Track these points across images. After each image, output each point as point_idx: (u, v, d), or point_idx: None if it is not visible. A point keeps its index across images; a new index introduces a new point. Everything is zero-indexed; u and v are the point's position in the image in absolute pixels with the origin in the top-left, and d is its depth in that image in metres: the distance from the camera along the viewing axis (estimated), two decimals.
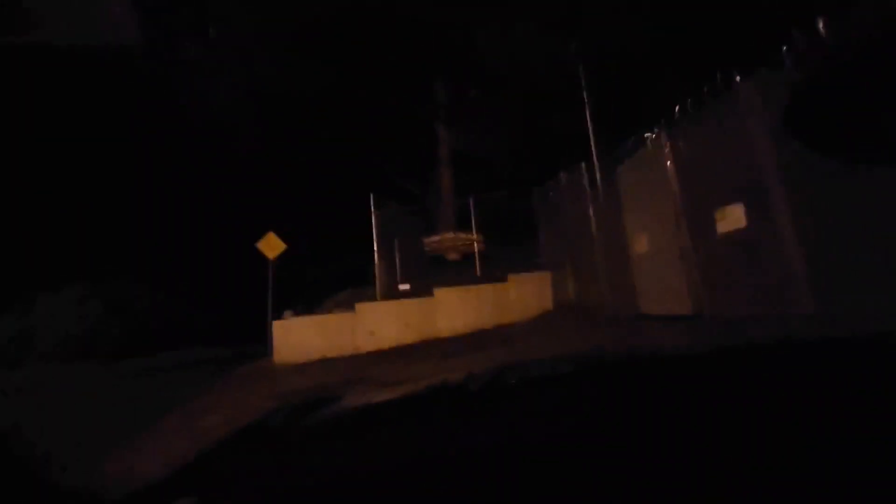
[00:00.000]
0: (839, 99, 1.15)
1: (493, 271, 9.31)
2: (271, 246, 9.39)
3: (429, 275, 10.65)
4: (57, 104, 13.72)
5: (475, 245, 10.39)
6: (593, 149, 7.50)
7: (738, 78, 4.33)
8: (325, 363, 7.42)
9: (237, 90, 11.99)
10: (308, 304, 10.85)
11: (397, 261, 10.47)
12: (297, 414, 1.26)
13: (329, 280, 12.70)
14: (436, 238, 11.60)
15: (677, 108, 5.02)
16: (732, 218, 4.51)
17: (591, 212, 7.35)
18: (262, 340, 8.78)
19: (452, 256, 11.19)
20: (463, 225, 11.34)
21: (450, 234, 11.47)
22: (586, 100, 7.87)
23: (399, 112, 13.75)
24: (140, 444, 3.59)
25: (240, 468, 0.73)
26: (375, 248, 9.36)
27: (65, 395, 6.99)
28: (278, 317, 8.83)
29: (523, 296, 8.72)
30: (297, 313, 9.23)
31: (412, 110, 14.04)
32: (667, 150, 5.36)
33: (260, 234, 9.73)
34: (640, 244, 6.02)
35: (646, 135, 5.66)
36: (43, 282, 14.27)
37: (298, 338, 8.22)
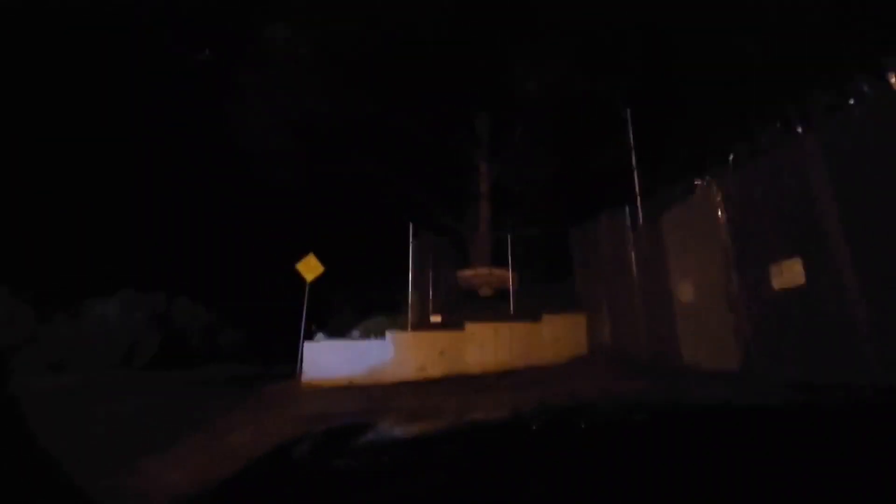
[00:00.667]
0: None
1: (527, 310, 9.12)
2: (310, 268, 9.59)
3: (461, 308, 10.55)
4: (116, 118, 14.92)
5: (510, 282, 10.26)
6: (637, 191, 7.36)
7: (799, 128, 4.17)
8: (352, 389, 7.37)
9: (285, 116, 12.60)
10: (340, 328, 10.93)
11: (430, 292, 10.45)
12: (324, 444, 1.22)
13: (362, 306, 12.81)
14: (470, 272, 11.56)
15: (731, 155, 4.87)
16: (791, 273, 4.25)
17: (632, 255, 7.14)
18: (292, 360, 8.85)
19: (485, 292, 11.08)
20: (498, 261, 11.27)
21: (484, 270, 11.42)
22: (632, 141, 7.80)
23: (441, 145, 14.06)
24: (166, 457, 3.62)
25: (264, 494, 0.71)
26: (410, 278, 9.39)
27: (100, 402, 7.22)
28: (310, 338, 8.91)
29: (557, 337, 8.46)
30: (329, 336, 9.29)
31: (454, 143, 14.33)
32: (718, 197, 5.18)
33: (299, 257, 9.97)
34: (686, 293, 5.75)
35: (696, 181, 5.51)
36: (92, 288, 15.10)
37: (328, 361, 8.24)
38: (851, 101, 3.65)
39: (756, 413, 0.96)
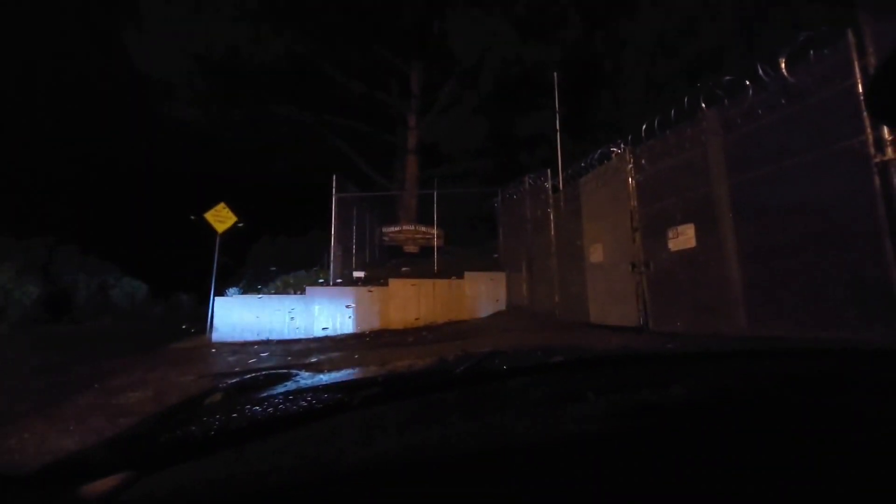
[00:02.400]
0: None
1: (450, 267, 9.30)
2: (221, 217, 8.88)
3: (385, 265, 10.50)
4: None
5: (434, 239, 10.34)
6: (559, 155, 7.64)
7: (703, 105, 4.52)
8: (267, 345, 7.11)
9: (193, 45, 11.16)
10: (256, 283, 10.40)
11: (354, 247, 10.23)
12: (237, 393, 1.14)
13: (282, 260, 12.24)
14: (395, 229, 11.46)
15: (644, 126, 5.18)
16: (684, 237, 4.72)
17: (551, 217, 7.48)
18: (201, 317, 8.31)
19: (410, 249, 11.09)
20: (424, 218, 11.26)
21: (410, 227, 11.37)
22: (557, 107, 7.99)
23: (370, 95, 13.41)
24: (54, 417, 3.27)
25: (176, 445, 0.64)
26: (332, 232, 9.08)
27: None
28: (221, 294, 8.38)
29: (478, 294, 8.77)
30: (243, 291, 8.81)
31: (384, 95, 13.74)
32: (630, 165, 5.53)
33: (211, 206, 9.17)
34: (596, 254, 6.19)
35: (612, 148, 5.81)
36: None
37: (241, 317, 7.85)
38: (748, 83, 4.00)
39: (628, 358, 1.11)
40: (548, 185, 7.68)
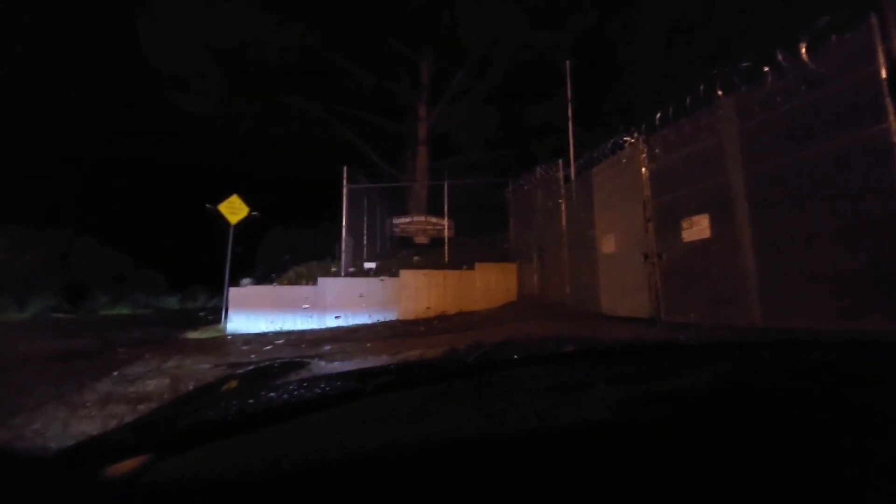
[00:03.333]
0: None
1: (461, 258, 9.30)
2: (234, 209, 8.98)
3: (396, 255, 10.54)
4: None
5: (445, 230, 10.34)
6: (571, 145, 7.55)
7: (719, 92, 4.42)
8: (280, 335, 7.21)
9: (206, 39, 11.20)
10: (268, 273, 10.52)
11: (365, 239, 10.28)
12: (253, 380, 1.16)
13: (294, 251, 12.35)
14: (406, 220, 11.48)
15: (658, 115, 5.09)
16: (698, 227, 4.65)
17: (562, 208, 7.42)
18: (215, 307, 8.45)
19: (421, 240, 11.11)
20: (435, 209, 11.25)
21: (421, 218, 11.38)
22: (569, 96, 7.88)
23: (380, 86, 13.37)
24: (74, 403, 3.36)
25: (194, 429, 0.66)
26: (344, 223, 9.13)
27: None
28: (236, 284, 8.50)
29: (489, 285, 8.77)
30: (256, 282, 8.92)
31: (394, 86, 13.68)
32: (643, 155, 5.45)
33: (225, 198, 9.27)
34: (608, 245, 6.13)
35: (625, 138, 5.73)
36: None
37: (254, 307, 7.95)
38: (766, 70, 3.90)
39: (639, 348, 1.10)
40: (559, 175, 7.61)
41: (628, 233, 5.70)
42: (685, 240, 4.82)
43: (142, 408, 3.18)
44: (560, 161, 7.66)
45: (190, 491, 0.50)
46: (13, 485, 0.53)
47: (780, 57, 3.79)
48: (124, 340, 7.23)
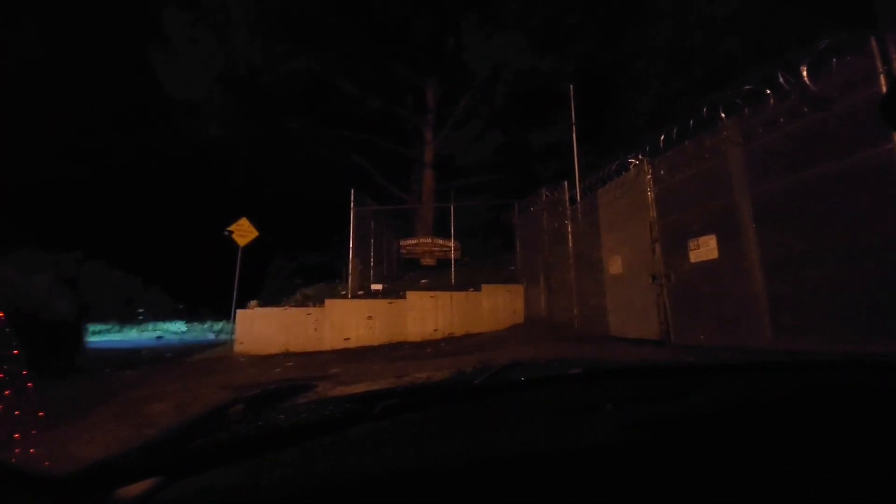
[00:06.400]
0: None
1: (468, 280, 9.30)
2: (243, 232, 9.09)
3: (402, 277, 10.55)
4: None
5: (452, 252, 10.36)
6: (576, 167, 7.62)
7: (723, 114, 4.47)
8: (288, 356, 7.19)
9: (215, 65, 11.56)
10: (276, 295, 10.55)
11: (372, 260, 10.32)
12: (261, 403, 1.17)
13: (301, 273, 12.42)
14: (413, 241, 11.53)
15: (662, 136, 5.14)
16: (706, 248, 4.63)
17: (569, 229, 7.44)
18: (223, 329, 8.46)
19: (428, 261, 11.13)
20: (441, 231, 11.31)
21: (427, 240, 11.42)
22: (573, 119, 8.00)
23: (387, 110, 13.64)
24: (81, 427, 3.35)
25: (203, 452, 0.67)
26: (351, 246, 9.19)
27: None
28: (243, 307, 8.53)
29: (495, 307, 8.73)
30: (264, 304, 8.95)
31: (400, 110, 13.95)
32: (648, 176, 5.48)
33: (233, 221, 9.41)
34: (615, 266, 6.11)
35: (630, 159, 5.77)
36: None
37: (262, 328, 7.96)
38: (768, 92, 3.95)
39: (656, 370, 1.09)
40: (565, 196, 7.65)
41: (635, 254, 5.69)
42: (693, 260, 4.80)
43: (148, 432, 3.17)
44: (566, 182, 7.71)
45: None
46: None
47: (781, 79, 3.84)
48: (131, 362, 7.23)
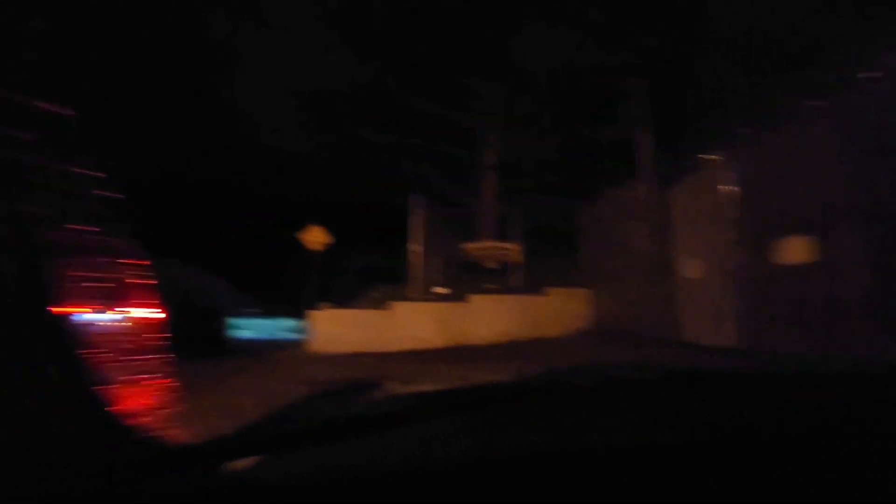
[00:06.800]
0: None
1: (531, 283, 9.19)
2: (315, 237, 9.68)
3: (465, 280, 10.63)
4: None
5: (515, 255, 10.30)
6: (647, 165, 7.28)
7: (813, 103, 4.09)
8: (356, 357, 7.54)
9: (290, 82, 12.46)
10: (344, 297, 11.08)
11: (434, 264, 10.52)
12: (334, 398, 1.28)
13: (367, 276, 12.95)
14: (475, 245, 11.57)
15: (743, 130, 4.80)
16: (794, 251, 4.25)
17: (638, 230, 7.12)
18: (297, 330, 9.07)
19: (490, 264, 11.12)
20: (504, 233, 11.27)
21: (490, 243, 11.42)
22: (642, 114, 7.66)
23: (448, 114, 13.84)
24: (179, 416, 3.77)
25: (297, 436, 0.75)
26: (414, 249, 9.45)
27: None
28: (314, 308, 9.07)
29: (560, 311, 8.56)
30: (334, 306, 9.44)
31: (462, 114, 14.10)
32: (727, 172, 5.13)
33: (305, 226, 10.06)
34: (690, 269, 5.78)
35: (707, 156, 5.44)
36: None
37: (334, 330, 8.40)
38: (865, 78, 3.57)
39: (741, 378, 1.03)
40: (634, 196, 7.35)
41: (712, 255, 5.34)
42: (777, 262, 4.43)
43: (236, 422, 3.50)
44: (635, 181, 7.40)
45: (296, 489, 0.59)
46: (149, 474, 0.63)
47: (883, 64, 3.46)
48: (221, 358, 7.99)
